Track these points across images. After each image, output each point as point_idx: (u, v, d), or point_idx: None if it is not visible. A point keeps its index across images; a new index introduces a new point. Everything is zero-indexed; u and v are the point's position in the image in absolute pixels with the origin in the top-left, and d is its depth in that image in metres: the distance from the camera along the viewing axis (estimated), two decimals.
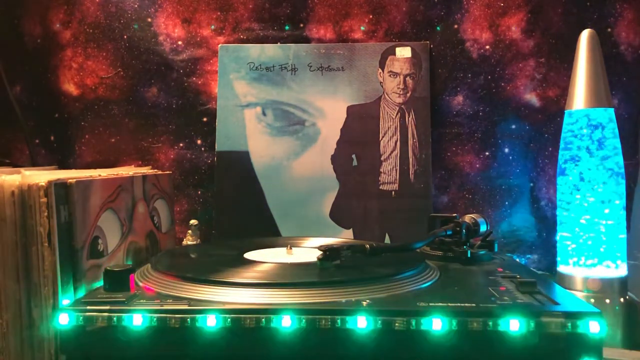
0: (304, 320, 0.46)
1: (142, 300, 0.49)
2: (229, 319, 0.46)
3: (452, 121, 0.95)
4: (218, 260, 0.64)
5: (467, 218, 0.71)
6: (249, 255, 0.65)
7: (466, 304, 0.48)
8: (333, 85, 0.95)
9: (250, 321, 0.46)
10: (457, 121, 0.95)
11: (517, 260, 0.81)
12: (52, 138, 0.99)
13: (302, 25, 0.97)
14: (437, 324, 0.46)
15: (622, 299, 0.72)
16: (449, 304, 0.48)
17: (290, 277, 0.55)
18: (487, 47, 0.94)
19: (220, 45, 0.96)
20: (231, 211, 0.93)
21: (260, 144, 0.94)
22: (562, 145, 0.78)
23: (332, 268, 0.57)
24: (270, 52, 0.96)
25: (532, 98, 0.94)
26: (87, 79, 0.98)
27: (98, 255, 0.60)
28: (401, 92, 0.94)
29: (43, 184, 0.53)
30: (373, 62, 0.94)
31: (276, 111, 0.95)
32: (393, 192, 0.92)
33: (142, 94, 0.98)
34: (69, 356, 0.48)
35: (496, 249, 0.71)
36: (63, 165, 0.97)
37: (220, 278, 0.53)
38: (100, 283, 0.55)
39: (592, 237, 0.73)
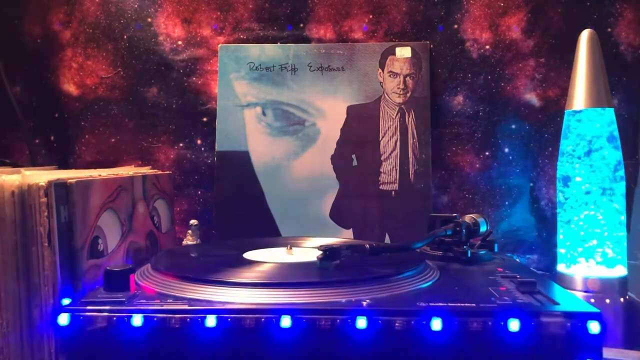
0: (304, 320, 0.46)
1: (142, 300, 0.49)
2: (229, 319, 0.46)
3: (452, 121, 0.95)
4: (218, 260, 0.64)
5: (467, 218, 0.71)
6: (249, 255, 0.65)
7: (466, 304, 0.48)
8: (333, 85, 0.95)
9: (250, 321, 0.46)
10: (457, 121, 0.95)
11: (517, 260, 0.81)
12: (52, 138, 0.99)
13: (302, 25, 0.97)
14: (437, 324, 0.46)
15: (622, 299, 0.72)
16: (449, 304, 0.48)
17: (290, 277, 0.55)
18: (487, 47, 0.94)
19: (220, 45, 0.96)
20: (231, 211, 0.93)
21: (260, 144, 0.94)
22: (561, 144, 0.78)
23: (332, 268, 0.57)
24: (270, 52, 0.96)
25: (532, 98, 0.94)
26: (87, 79, 0.98)
27: (98, 255, 0.60)
28: (401, 92, 0.94)
29: (43, 184, 0.53)
30: (373, 62, 0.94)
31: (276, 111, 0.95)
32: (393, 192, 0.92)
33: (142, 94, 0.98)
34: (68, 356, 0.48)
35: (496, 249, 0.71)
36: (63, 165, 0.97)
37: (220, 278, 0.53)
38: (100, 283, 0.55)
39: (592, 237, 0.73)
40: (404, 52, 0.94)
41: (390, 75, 0.94)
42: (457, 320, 0.46)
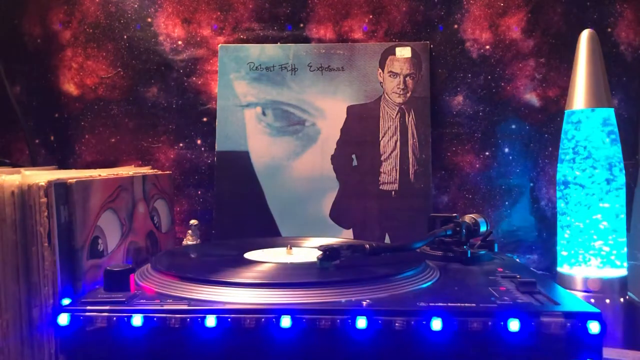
0: (304, 320, 0.46)
1: (142, 300, 0.49)
2: (229, 319, 0.46)
3: (452, 121, 0.95)
4: (218, 260, 0.64)
5: (467, 218, 0.71)
6: (249, 255, 0.65)
7: (466, 304, 0.48)
8: (333, 85, 0.95)
9: (250, 321, 0.46)
10: (457, 121, 0.95)
11: (517, 260, 0.81)
12: (52, 138, 0.99)
13: (302, 25, 0.97)
14: (437, 324, 0.46)
15: (622, 299, 0.72)
16: (449, 304, 0.48)
17: (290, 277, 0.55)
18: (487, 47, 0.94)
19: (220, 45, 0.96)
20: (231, 211, 0.93)
21: (260, 144, 0.94)
22: (561, 145, 0.78)
23: (332, 268, 0.57)
24: (270, 52, 0.96)
25: (532, 98, 0.94)
26: (87, 79, 0.98)
27: (98, 255, 0.60)
28: (401, 92, 0.94)
29: (43, 184, 0.53)
30: (373, 62, 0.94)
31: (276, 111, 0.95)
32: (393, 192, 0.92)
33: (142, 94, 0.98)
34: (68, 356, 0.48)
35: (496, 249, 0.71)
36: (63, 165, 0.97)
37: (220, 278, 0.53)
38: (100, 283, 0.55)
39: (592, 237, 0.73)
40: (404, 52, 0.94)
41: (390, 75, 0.94)
42: (457, 320, 0.46)
